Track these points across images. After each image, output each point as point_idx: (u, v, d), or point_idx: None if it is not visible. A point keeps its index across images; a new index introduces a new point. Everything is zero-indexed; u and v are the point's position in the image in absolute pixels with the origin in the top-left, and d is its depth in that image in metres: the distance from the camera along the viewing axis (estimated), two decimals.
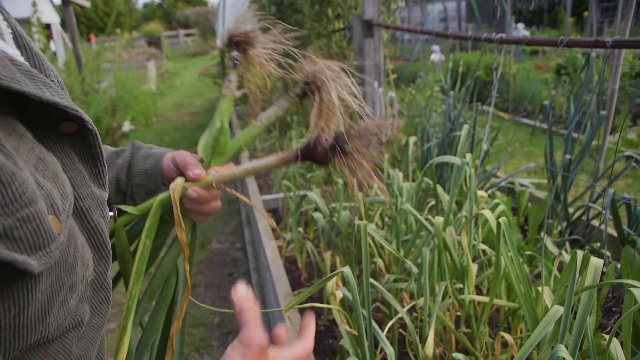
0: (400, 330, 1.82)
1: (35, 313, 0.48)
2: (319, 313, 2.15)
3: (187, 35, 29.69)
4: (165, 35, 26.76)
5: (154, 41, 25.06)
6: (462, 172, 1.58)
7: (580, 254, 1.12)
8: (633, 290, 1.09)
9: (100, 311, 0.64)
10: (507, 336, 1.44)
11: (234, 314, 0.62)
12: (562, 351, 0.92)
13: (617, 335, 1.55)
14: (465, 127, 1.85)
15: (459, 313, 1.89)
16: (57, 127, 0.56)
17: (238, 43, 0.96)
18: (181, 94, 12.54)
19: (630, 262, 1.48)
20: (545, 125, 4.38)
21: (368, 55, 3.09)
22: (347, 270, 1.12)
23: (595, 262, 1.14)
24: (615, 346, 1.08)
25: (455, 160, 1.58)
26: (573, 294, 1.07)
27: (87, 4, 6.43)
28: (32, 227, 0.44)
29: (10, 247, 0.43)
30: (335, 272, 1.09)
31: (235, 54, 0.97)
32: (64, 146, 0.58)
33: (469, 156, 1.61)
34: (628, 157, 3.91)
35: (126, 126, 7.75)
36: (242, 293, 0.63)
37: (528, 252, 1.75)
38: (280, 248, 2.70)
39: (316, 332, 2.10)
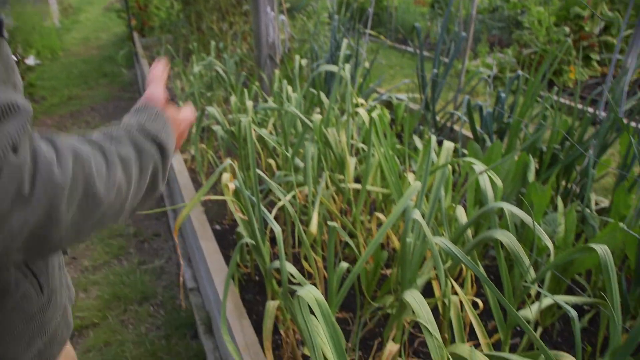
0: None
1: None
2: (223, 213, 2.16)
3: None
4: None
5: None
6: (340, 79, 1.60)
7: (434, 138, 1.19)
8: (474, 166, 1.18)
9: None
10: (381, 216, 1.52)
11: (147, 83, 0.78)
12: (416, 214, 0.99)
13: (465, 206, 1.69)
14: (345, 41, 1.86)
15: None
16: None
17: None
18: (87, 28, 11.51)
19: (474, 150, 1.60)
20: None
21: None
22: (230, 161, 1.12)
23: (447, 144, 1.22)
24: (460, 211, 1.18)
25: (333, 68, 1.59)
26: (429, 171, 1.14)
27: None
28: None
29: None
30: (223, 164, 1.09)
31: None
32: None
33: (347, 66, 1.63)
34: (489, 77, 4.10)
35: (31, 60, 7.05)
36: (159, 67, 0.81)
37: (398, 146, 1.83)
38: (186, 161, 2.66)
39: (221, 230, 2.12)
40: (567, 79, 4.57)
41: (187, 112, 0.81)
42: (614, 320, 0.83)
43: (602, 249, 0.87)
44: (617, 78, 1.76)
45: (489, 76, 2.68)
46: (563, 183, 2.10)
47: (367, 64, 2.63)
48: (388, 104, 3.24)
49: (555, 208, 1.84)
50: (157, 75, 0.79)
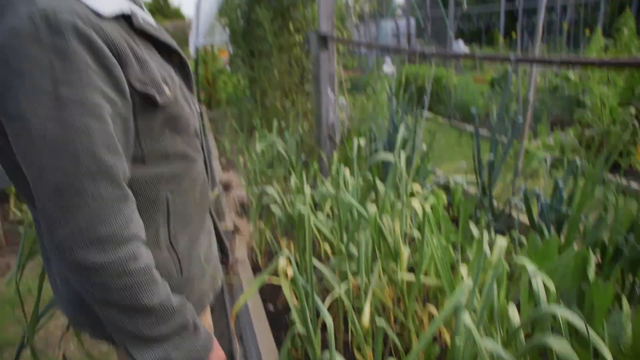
0: None
1: None
2: (277, 293, 2.20)
3: None
4: None
5: None
6: (397, 167, 1.66)
7: (486, 234, 1.20)
8: (527, 265, 1.17)
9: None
10: (432, 309, 1.52)
11: None
12: (466, 317, 1.00)
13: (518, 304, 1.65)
14: (402, 125, 1.93)
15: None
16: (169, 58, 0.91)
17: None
18: None
19: (533, 244, 1.58)
20: (480, 131, 4.50)
21: (323, 66, 3.15)
22: (287, 253, 1.17)
23: (500, 242, 1.23)
24: (512, 310, 1.17)
25: (389, 157, 1.65)
26: (481, 267, 1.15)
27: None
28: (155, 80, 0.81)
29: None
30: (279, 253, 1.15)
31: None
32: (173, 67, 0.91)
33: (403, 155, 1.69)
34: (546, 162, 4.04)
35: None
36: None
37: (452, 236, 1.83)
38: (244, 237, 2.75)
39: (275, 311, 2.16)
40: (635, 161, 4.42)
41: None
42: None
43: None
44: None
45: (546, 161, 2.66)
46: (630, 279, 2.01)
47: (424, 146, 2.70)
48: (445, 186, 3.25)
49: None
50: None
